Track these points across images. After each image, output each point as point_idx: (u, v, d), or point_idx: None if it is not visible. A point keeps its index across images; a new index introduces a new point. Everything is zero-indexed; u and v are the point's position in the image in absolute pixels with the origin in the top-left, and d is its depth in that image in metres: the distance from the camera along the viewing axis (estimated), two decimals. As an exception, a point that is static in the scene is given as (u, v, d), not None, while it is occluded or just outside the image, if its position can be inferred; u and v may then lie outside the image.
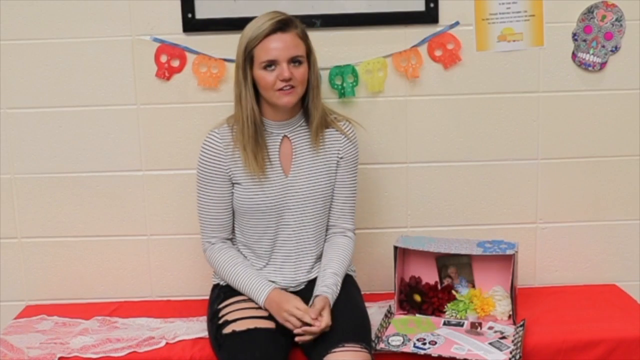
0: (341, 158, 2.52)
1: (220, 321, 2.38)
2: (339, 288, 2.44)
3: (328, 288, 2.40)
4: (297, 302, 2.36)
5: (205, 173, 2.47)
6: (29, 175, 2.81)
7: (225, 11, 2.70)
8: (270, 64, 2.35)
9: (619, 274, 2.89)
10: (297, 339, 2.32)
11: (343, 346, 2.25)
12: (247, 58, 2.37)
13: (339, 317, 2.35)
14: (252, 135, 2.40)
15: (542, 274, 2.90)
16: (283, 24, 2.36)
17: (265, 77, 2.35)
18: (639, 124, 2.80)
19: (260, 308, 2.39)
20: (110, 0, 2.69)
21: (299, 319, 2.30)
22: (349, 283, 2.56)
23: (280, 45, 2.34)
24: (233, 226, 2.54)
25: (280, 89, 2.36)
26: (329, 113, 2.54)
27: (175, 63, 2.73)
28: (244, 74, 2.38)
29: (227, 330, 2.33)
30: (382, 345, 2.42)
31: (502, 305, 2.60)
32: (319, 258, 2.54)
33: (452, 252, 2.59)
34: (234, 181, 2.47)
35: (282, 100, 2.38)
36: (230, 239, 2.56)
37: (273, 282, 2.47)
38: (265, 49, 2.34)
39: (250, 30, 2.37)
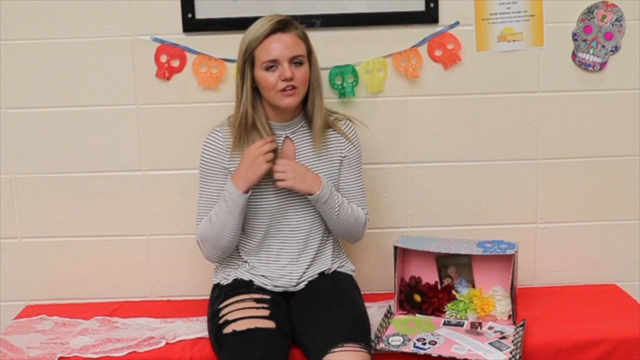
0: (344, 157, 2.53)
1: (221, 321, 2.38)
2: (336, 196, 2.45)
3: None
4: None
5: (207, 170, 2.48)
6: (29, 175, 2.81)
7: (225, 11, 2.70)
8: (272, 64, 2.35)
9: (619, 274, 2.90)
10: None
11: (342, 346, 2.25)
12: (248, 60, 2.37)
13: (338, 317, 2.35)
14: (244, 139, 2.42)
15: (542, 274, 2.90)
16: (283, 24, 2.37)
17: (267, 78, 2.36)
18: (639, 124, 2.80)
19: (260, 308, 2.39)
20: (110, 0, 2.70)
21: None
22: (348, 283, 2.56)
23: (280, 45, 2.35)
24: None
25: (283, 90, 2.37)
26: (329, 114, 2.55)
27: (175, 63, 2.73)
28: (243, 76, 2.39)
29: (228, 330, 2.33)
30: (382, 345, 2.42)
31: (502, 305, 2.60)
32: (321, 258, 2.55)
33: (452, 252, 2.59)
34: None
35: (285, 102, 2.38)
36: None
37: (272, 283, 2.49)
38: (266, 49, 2.35)
39: (250, 32, 2.39)
